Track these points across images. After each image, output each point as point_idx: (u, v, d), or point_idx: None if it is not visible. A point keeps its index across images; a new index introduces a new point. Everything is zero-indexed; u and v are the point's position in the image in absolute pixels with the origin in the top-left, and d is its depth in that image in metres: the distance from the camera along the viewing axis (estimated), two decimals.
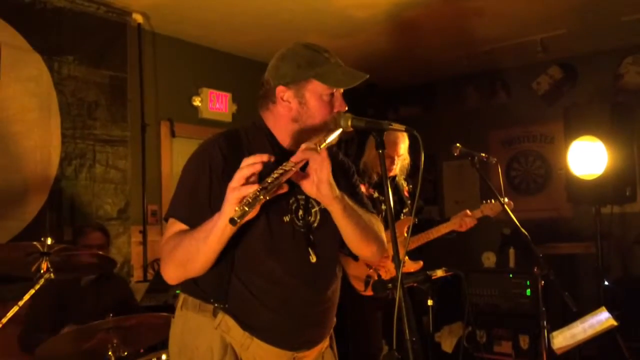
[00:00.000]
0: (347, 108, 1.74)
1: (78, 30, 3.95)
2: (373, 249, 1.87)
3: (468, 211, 3.47)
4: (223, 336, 1.70)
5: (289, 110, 1.72)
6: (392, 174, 3.44)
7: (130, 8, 4.18)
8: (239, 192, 1.49)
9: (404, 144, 3.39)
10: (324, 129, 1.69)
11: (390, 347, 3.45)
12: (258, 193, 1.47)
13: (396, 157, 3.38)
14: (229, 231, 1.54)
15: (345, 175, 1.92)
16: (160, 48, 4.63)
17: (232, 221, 1.45)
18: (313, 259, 1.74)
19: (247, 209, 1.45)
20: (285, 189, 1.57)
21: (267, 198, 1.49)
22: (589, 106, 4.61)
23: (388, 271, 3.33)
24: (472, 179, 5.88)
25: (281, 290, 1.71)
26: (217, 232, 1.55)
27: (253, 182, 1.50)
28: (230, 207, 1.49)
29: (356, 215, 1.78)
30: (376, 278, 3.31)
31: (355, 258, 3.27)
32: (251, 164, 1.50)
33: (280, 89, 1.72)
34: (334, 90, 1.72)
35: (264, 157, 1.51)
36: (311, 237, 1.75)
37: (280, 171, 1.53)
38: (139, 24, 4.36)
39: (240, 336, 1.70)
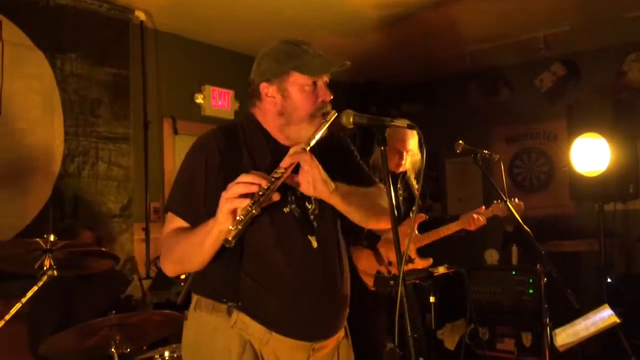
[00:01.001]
0: (332, 97, 1.77)
1: (81, 28, 3.95)
2: (380, 222, 1.92)
3: (480, 210, 3.47)
4: (241, 334, 1.72)
5: (274, 105, 1.76)
6: (402, 169, 3.44)
7: (133, 5, 4.18)
8: (232, 204, 1.54)
9: (413, 140, 3.39)
10: (311, 119, 1.73)
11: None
12: (250, 208, 1.51)
13: (405, 153, 3.39)
14: (223, 237, 1.57)
15: (344, 153, 1.97)
16: (163, 45, 4.62)
17: (227, 242, 1.51)
18: (314, 244, 1.77)
19: (240, 227, 1.51)
20: (277, 197, 1.60)
21: (259, 212, 1.54)
22: (592, 103, 4.60)
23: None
24: (475, 176, 5.87)
25: (291, 281, 1.73)
26: (211, 237, 1.61)
27: (246, 196, 1.54)
28: (223, 216, 1.55)
29: (356, 199, 1.82)
30: (387, 274, 3.31)
31: (370, 250, 3.29)
32: (249, 183, 1.55)
33: (263, 86, 1.76)
34: (317, 80, 1.75)
35: (263, 181, 1.56)
36: (313, 224, 1.79)
37: (272, 179, 1.57)
38: (142, 22, 4.36)
39: (258, 331, 1.72)
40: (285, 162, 1.63)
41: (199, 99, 4.82)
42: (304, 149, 1.66)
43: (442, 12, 4.45)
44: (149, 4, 4.17)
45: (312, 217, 1.79)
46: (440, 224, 3.52)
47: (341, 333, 1.88)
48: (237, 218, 1.51)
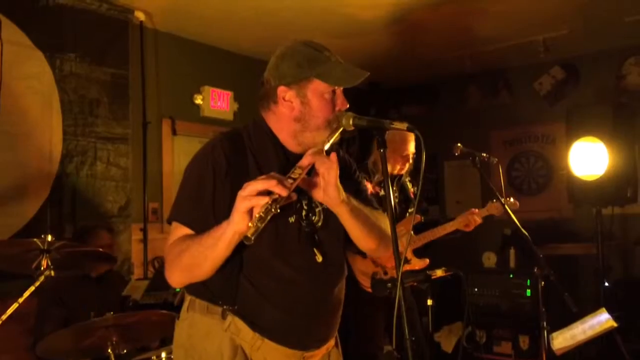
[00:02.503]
0: (348, 106, 1.74)
1: (80, 28, 3.94)
2: (378, 246, 1.88)
3: (474, 210, 3.48)
4: (233, 338, 1.69)
5: (291, 110, 1.71)
6: (403, 172, 3.46)
7: (133, 6, 4.18)
8: (249, 202, 1.49)
9: (413, 142, 3.41)
10: (327, 127, 1.70)
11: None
12: (269, 206, 1.47)
13: (410, 156, 3.40)
14: (237, 239, 1.54)
15: (347, 172, 1.91)
16: (162, 46, 4.62)
17: (246, 239, 1.46)
18: (319, 258, 1.74)
19: (260, 225, 1.46)
20: (294, 197, 1.57)
21: (278, 211, 1.49)
22: (591, 107, 4.60)
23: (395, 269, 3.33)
24: (473, 179, 5.88)
25: (290, 290, 1.71)
26: (225, 240, 1.55)
27: (262, 194, 1.50)
28: (239, 215, 1.50)
29: (362, 215, 1.78)
30: (383, 276, 3.32)
31: (364, 255, 3.28)
32: (267, 181, 1.49)
33: (281, 89, 1.71)
34: (335, 89, 1.71)
35: (283, 180, 1.51)
36: (316, 236, 1.76)
37: (290, 181, 1.53)
38: (141, 22, 4.35)
39: (250, 337, 1.69)
40: (304, 162, 1.60)
41: (198, 100, 4.82)
42: (323, 151, 1.62)
43: (442, 15, 4.46)
44: (149, 4, 4.17)
45: (316, 229, 1.76)
46: (436, 226, 3.53)
47: (331, 342, 1.87)
48: (257, 215, 1.47)
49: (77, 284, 3.15)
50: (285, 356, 1.72)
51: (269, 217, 1.47)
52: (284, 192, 1.48)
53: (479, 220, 3.46)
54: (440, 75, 6.15)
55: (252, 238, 1.46)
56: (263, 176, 1.52)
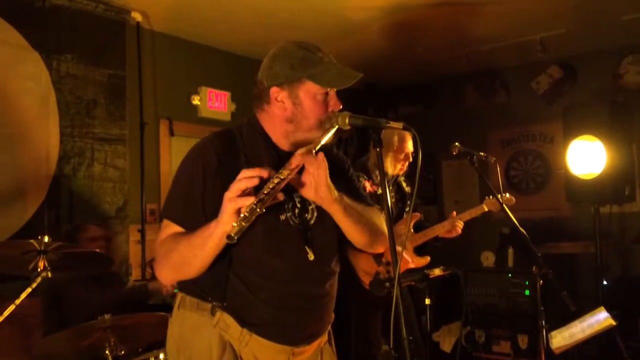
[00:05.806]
0: (341, 107, 1.74)
1: (77, 29, 3.93)
2: (373, 242, 1.89)
3: (453, 214, 3.48)
4: (222, 334, 1.71)
5: (284, 110, 1.72)
6: (403, 171, 3.46)
7: (129, 6, 4.17)
8: (236, 203, 1.51)
9: (411, 140, 3.42)
10: (319, 128, 1.70)
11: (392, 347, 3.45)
12: (254, 206, 1.49)
13: (410, 154, 3.40)
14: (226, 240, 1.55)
15: (340, 170, 1.92)
16: (159, 46, 4.62)
17: (229, 238, 1.48)
18: (311, 256, 1.74)
19: (244, 224, 1.48)
20: (281, 197, 1.58)
21: (264, 210, 1.51)
22: (589, 106, 4.60)
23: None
24: (472, 178, 5.88)
25: (280, 287, 1.72)
26: (214, 239, 1.57)
27: (249, 194, 1.52)
28: (227, 216, 1.51)
29: (356, 214, 1.79)
30: (385, 275, 3.31)
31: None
32: (249, 177, 1.52)
33: (274, 90, 1.72)
34: (328, 90, 1.72)
35: (264, 173, 1.53)
36: (308, 234, 1.76)
37: (276, 180, 1.55)
38: (138, 23, 4.34)
39: (239, 333, 1.70)
40: (292, 163, 1.61)
41: (196, 101, 4.81)
42: (312, 151, 1.63)
43: (439, 15, 4.46)
44: (146, 5, 4.16)
45: (308, 227, 1.76)
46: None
47: (324, 338, 1.87)
48: (241, 215, 1.49)
49: (80, 285, 3.14)
50: (275, 352, 1.73)
51: (253, 217, 1.49)
52: (265, 174, 1.51)
53: (459, 230, 3.47)
54: (437, 75, 6.15)
55: (235, 237, 1.48)
56: (246, 172, 1.53)
